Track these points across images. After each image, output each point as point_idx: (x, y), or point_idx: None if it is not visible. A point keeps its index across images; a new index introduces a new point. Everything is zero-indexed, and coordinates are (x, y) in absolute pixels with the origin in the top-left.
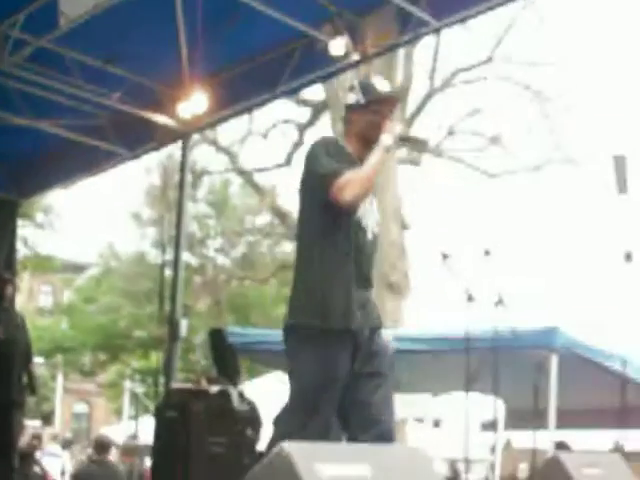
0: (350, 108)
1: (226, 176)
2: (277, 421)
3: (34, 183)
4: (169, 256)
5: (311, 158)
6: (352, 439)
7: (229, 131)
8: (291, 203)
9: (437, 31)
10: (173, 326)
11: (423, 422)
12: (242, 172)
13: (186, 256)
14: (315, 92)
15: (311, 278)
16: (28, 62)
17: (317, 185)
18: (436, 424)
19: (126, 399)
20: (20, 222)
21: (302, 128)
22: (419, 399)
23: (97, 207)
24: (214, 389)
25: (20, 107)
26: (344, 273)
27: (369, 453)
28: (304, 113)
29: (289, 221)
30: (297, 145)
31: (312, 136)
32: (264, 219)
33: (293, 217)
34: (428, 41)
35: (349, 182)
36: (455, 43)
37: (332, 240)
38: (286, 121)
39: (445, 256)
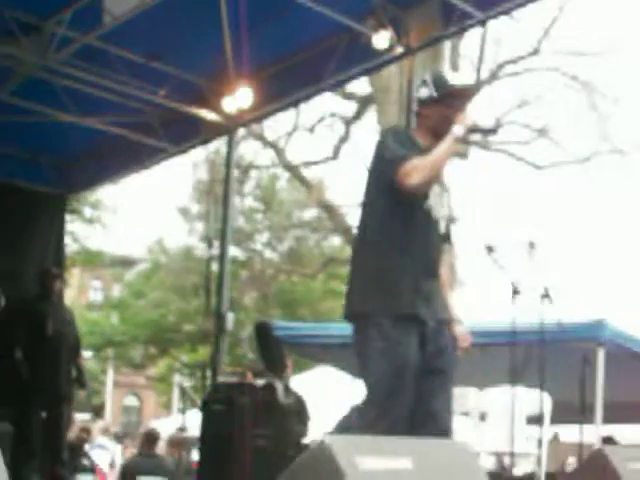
0: (422, 102)
1: (273, 170)
2: (355, 413)
3: (82, 179)
4: (216, 251)
5: (381, 144)
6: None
7: (276, 126)
8: (338, 197)
9: (481, 23)
10: (219, 320)
11: (469, 416)
12: (289, 166)
13: (233, 250)
14: (361, 86)
15: (379, 264)
16: (74, 59)
17: (385, 170)
18: (482, 418)
19: (175, 392)
20: (69, 217)
21: (348, 122)
22: (465, 393)
23: (146, 202)
24: (260, 382)
25: (67, 104)
26: (411, 260)
27: (412, 447)
28: (350, 107)
29: (336, 215)
30: (343, 139)
31: (358, 130)
32: (311, 213)
33: (340, 211)
34: (475, 33)
35: (416, 167)
36: (502, 34)
37: (399, 226)
38: (333, 115)
39: (490, 249)
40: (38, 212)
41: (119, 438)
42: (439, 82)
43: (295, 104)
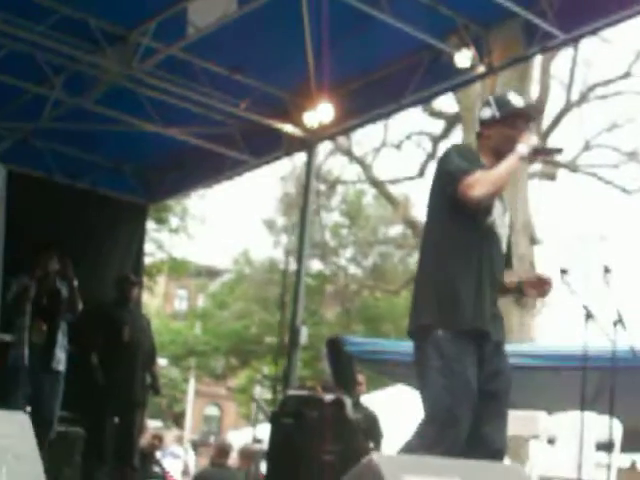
0: (485, 123)
1: (360, 186)
2: (415, 434)
3: (163, 188)
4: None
5: (444, 158)
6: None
7: (363, 141)
8: (424, 214)
9: (564, 44)
10: (293, 333)
11: (538, 439)
12: (375, 182)
13: (318, 265)
14: (449, 104)
15: (441, 278)
16: (158, 69)
17: (448, 182)
18: (551, 442)
19: (255, 404)
20: (156, 226)
21: (436, 140)
22: (535, 416)
23: (233, 214)
24: (329, 397)
25: (151, 114)
26: (476, 274)
27: (460, 468)
28: (438, 125)
29: (421, 232)
30: (430, 157)
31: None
32: (397, 230)
33: None
34: (565, 54)
35: (479, 180)
36: (594, 57)
37: (463, 240)
38: (420, 133)
39: (563, 272)
40: (120, 220)
41: (195, 447)
42: (501, 102)
43: (376, 120)
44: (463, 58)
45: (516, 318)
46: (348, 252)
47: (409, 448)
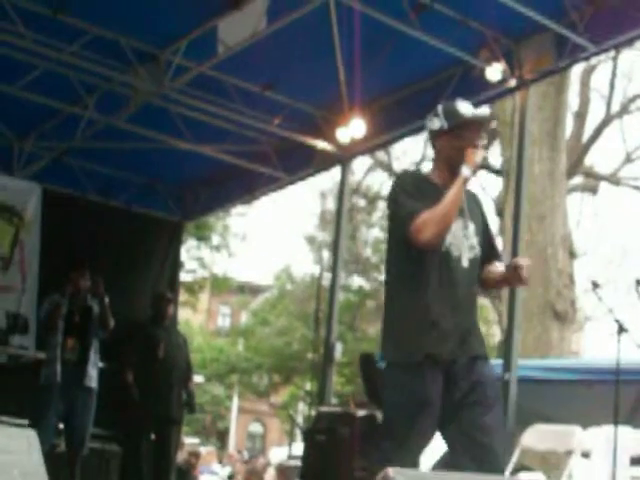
0: (434, 134)
1: None
2: (377, 446)
3: (197, 205)
4: (343, 280)
5: (391, 197)
6: (459, 466)
7: (403, 156)
8: None
9: (595, 56)
10: (328, 349)
11: (573, 454)
12: None
13: (359, 281)
14: None
15: (391, 313)
16: (189, 87)
17: (397, 226)
18: (585, 456)
19: (298, 420)
20: (196, 244)
21: None
22: (570, 431)
23: (274, 230)
24: (361, 413)
25: (183, 131)
26: (431, 302)
27: None
28: None
29: None
30: None
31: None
32: None
33: None
34: (605, 66)
35: (426, 223)
36: (634, 68)
37: (415, 274)
38: None
39: (595, 285)
40: (154, 237)
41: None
42: (450, 112)
43: (408, 135)
44: (494, 72)
45: (556, 332)
46: None
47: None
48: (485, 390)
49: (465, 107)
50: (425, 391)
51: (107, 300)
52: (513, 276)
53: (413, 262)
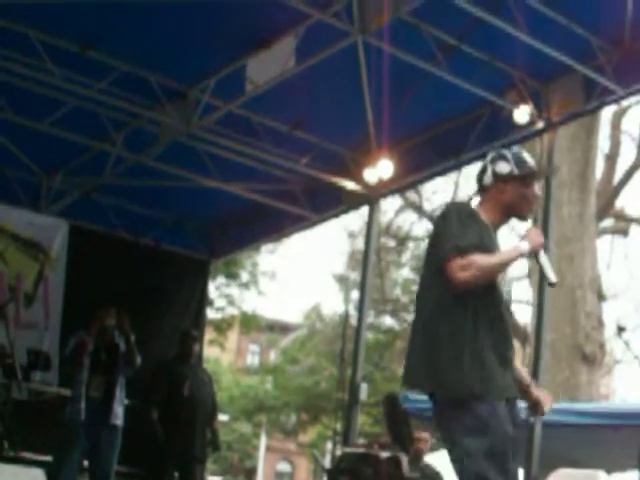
0: (501, 177)
1: None
2: None
3: (225, 244)
4: (370, 319)
5: (444, 222)
6: None
7: (434, 197)
8: None
9: (623, 99)
10: (353, 390)
11: None
12: None
13: (389, 321)
14: None
15: (460, 347)
16: (217, 126)
17: (441, 255)
18: None
19: (327, 460)
20: (225, 281)
21: None
22: (594, 475)
23: (303, 268)
24: (385, 455)
25: (211, 170)
26: (496, 341)
27: None
28: None
29: None
30: None
31: None
32: None
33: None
34: (637, 109)
35: (472, 264)
36: None
37: (488, 310)
38: None
39: (621, 329)
40: (182, 275)
41: None
42: (519, 160)
43: (436, 176)
44: (522, 114)
45: (584, 375)
46: None
47: None
48: (517, 434)
49: (530, 159)
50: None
51: (133, 337)
52: (534, 406)
53: (481, 298)
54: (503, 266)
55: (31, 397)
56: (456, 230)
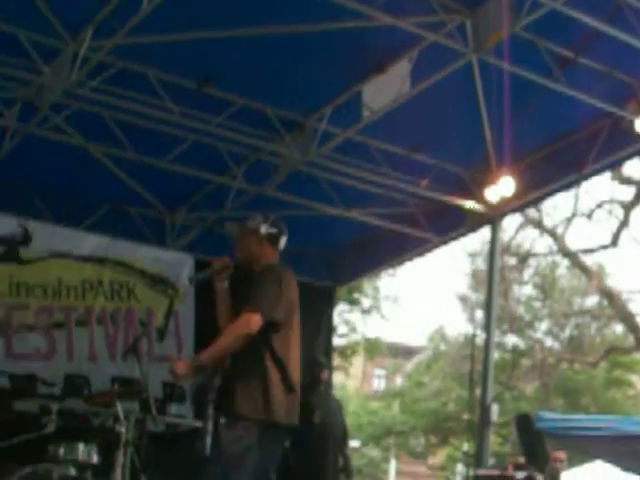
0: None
1: (552, 258)
2: None
3: (348, 270)
4: (497, 339)
5: None
6: None
7: (554, 212)
8: (619, 283)
9: None
10: (484, 411)
11: None
12: (567, 253)
13: (514, 339)
14: (638, 170)
15: None
16: (335, 153)
17: None
18: None
19: None
20: (347, 307)
21: (627, 207)
22: None
23: (425, 291)
24: (520, 475)
25: (331, 197)
26: None
27: None
28: (629, 192)
29: (618, 302)
30: (623, 224)
31: (638, 215)
32: (592, 300)
33: (622, 298)
34: None
35: None
36: None
37: None
38: (611, 201)
39: None
40: (307, 303)
41: None
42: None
43: (558, 191)
44: None
45: None
46: (543, 325)
47: None
48: None
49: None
50: None
51: None
52: None
53: None
54: None
55: (168, 430)
56: None
